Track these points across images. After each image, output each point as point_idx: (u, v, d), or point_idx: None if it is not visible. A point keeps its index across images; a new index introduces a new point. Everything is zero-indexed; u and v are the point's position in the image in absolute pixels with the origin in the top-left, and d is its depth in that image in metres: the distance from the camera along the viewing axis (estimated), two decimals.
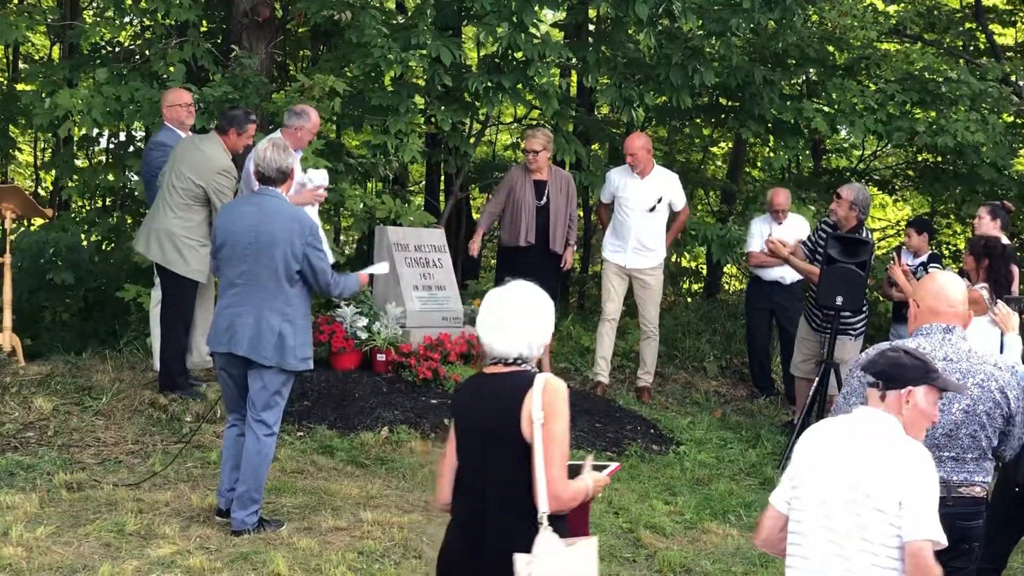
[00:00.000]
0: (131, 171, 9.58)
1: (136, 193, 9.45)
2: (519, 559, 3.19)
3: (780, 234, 8.77)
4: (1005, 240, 6.71)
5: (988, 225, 7.47)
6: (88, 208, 11.79)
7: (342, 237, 13.20)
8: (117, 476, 6.08)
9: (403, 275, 8.28)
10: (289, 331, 5.34)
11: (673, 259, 11.75)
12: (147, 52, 9.31)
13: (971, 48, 13.98)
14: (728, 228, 10.38)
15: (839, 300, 7.55)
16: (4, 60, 14.54)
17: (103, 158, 11.87)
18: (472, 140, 10.82)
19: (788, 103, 10.81)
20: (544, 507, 3.23)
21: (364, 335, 7.82)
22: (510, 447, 3.28)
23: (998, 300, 5.39)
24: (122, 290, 8.45)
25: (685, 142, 13.82)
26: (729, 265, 13.04)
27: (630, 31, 10.66)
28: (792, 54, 11.37)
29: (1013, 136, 11.37)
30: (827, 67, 11.60)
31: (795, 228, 9.06)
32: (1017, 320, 5.38)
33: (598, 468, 3.54)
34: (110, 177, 9.86)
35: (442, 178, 13.45)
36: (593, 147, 12.11)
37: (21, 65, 14.02)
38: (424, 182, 14.49)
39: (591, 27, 11.18)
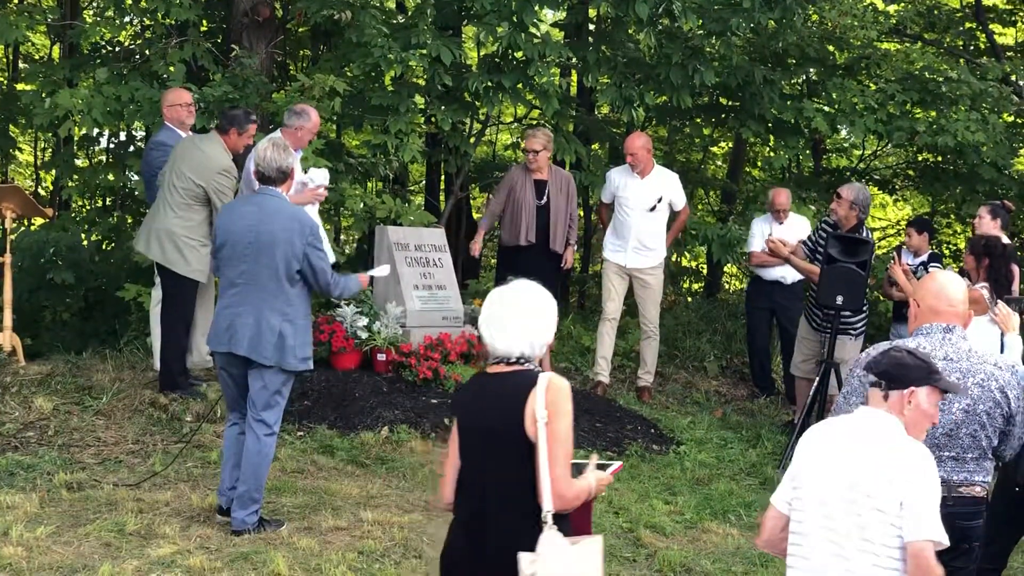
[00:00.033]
0: (131, 171, 9.59)
1: (136, 193, 9.46)
2: (523, 558, 3.18)
3: (781, 234, 8.76)
4: (1005, 240, 6.71)
5: (988, 225, 7.47)
6: (88, 208, 11.79)
7: (342, 237, 13.20)
8: (117, 476, 6.08)
9: (403, 275, 8.28)
10: (289, 331, 5.34)
11: (673, 259, 11.75)
12: (147, 52, 9.31)
13: (971, 48, 13.98)
14: (728, 228, 10.37)
15: (839, 300, 7.55)
16: (4, 60, 14.54)
17: (103, 158, 11.88)
18: (472, 140, 10.82)
19: (788, 103, 10.82)
20: (548, 506, 3.23)
21: (364, 335, 7.82)
22: (513, 446, 3.28)
23: (998, 300, 5.39)
24: (122, 290, 8.45)
25: (685, 142, 13.82)
26: (729, 265, 13.03)
27: (630, 31, 10.66)
28: (792, 54, 11.37)
29: (1013, 136, 11.37)
30: (827, 67, 11.60)
31: (796, 228, 9.07)
32: (1017, 320, 5.38)
33: (601, 467, 3.54)
34: (110, 177, 9.86)
35: (442, 178, 13.45)
36: (593, 147, 12.11)
37: (21, 65, 14.01)
38: (424, 182, 14.49)
39: (591, 27, 11.18)
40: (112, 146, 12.11)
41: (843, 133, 12.30)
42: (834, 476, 3.35)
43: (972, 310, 4.44)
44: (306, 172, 7.38)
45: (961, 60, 12.52)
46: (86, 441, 6.54)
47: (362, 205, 9.07)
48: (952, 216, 13.89)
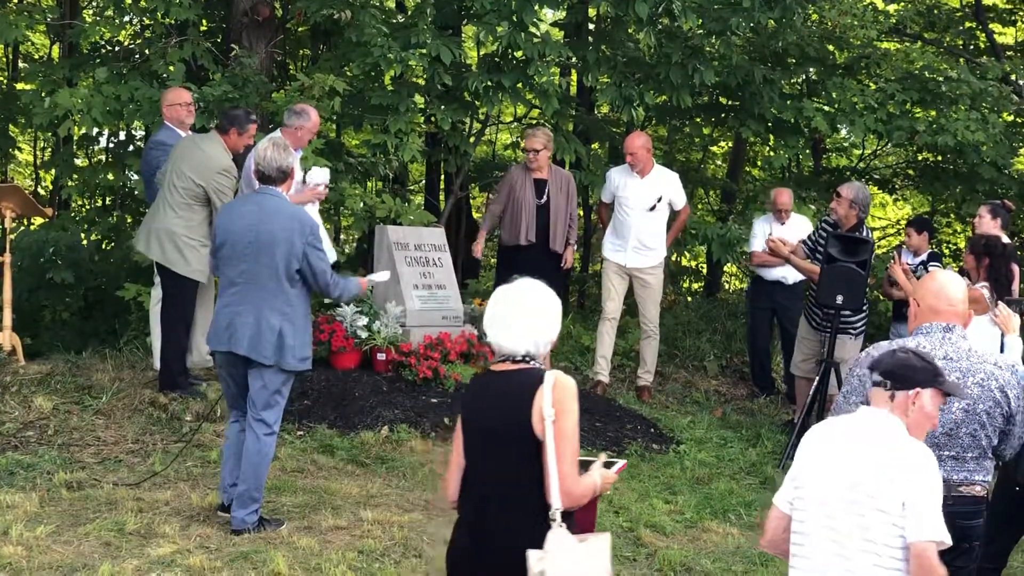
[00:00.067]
0: (131, 170, 9.58)
1: (136, 192, 9.46)
2: (532, 555, 3.19)
3: (782, 234, 8.76)
4: (1005, 239, 6.71)
5: (989, 224, 7.46)
6: (88, 207, 11.79)
7: (342, 236, 13.20)
8: (117, 475, 6.07)
9: (403, 274, 8.28)
10: (289, 331, 5.34)
11: (673, 258, 11.75)
12: (147, 51, 9.31)
13: (971, 47, 13.98)
14: (728, 227, 10.37)
15: (839, 299, 7.55)
16: (4, 59, 14.53)
17: (103, 157, 11.87)
18: (472, 139, 10.82)
19: (788, 102, 10.81)
20: (557, 503, 3.24)
21: (364, 334, 7.82)
22: (520, 444, 3.29)
23: (999, 302, 5.39)
24: (122, 289, 8.45)
25: (685, 141, 13.82)
26: (729, 264, 13.03)
27: (630, 30, 10.65)
28: (792, 53, 11.36)
29: (1013, 135, 11.38)
30: (827, 66, 11.60)
31: (798, 228, 9.06)
32: (1018, 322, 5.38)
33: (606, 465, 3.55)
34: (110, 176, 9.86)
35: (442, 177, 13.46)
36: (593, 146, 12.11)
37: (21, 64, 14.02)
38: (424, 181, 14.49)
39: (591, 26, 11.17)
40: (112, 146, 12.10)
41: (843, 132, 12.30)
42: (836, 476, 3.35)
43: (972, 310, 4.44)
44: (306, 172, 7.38)
45: (961, 59, 12.52)
46: (86, 440, 6.54)
47: (362, 205, 9.07)
48: (952, 215, 13.89)
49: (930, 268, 8.01)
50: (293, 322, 5.37)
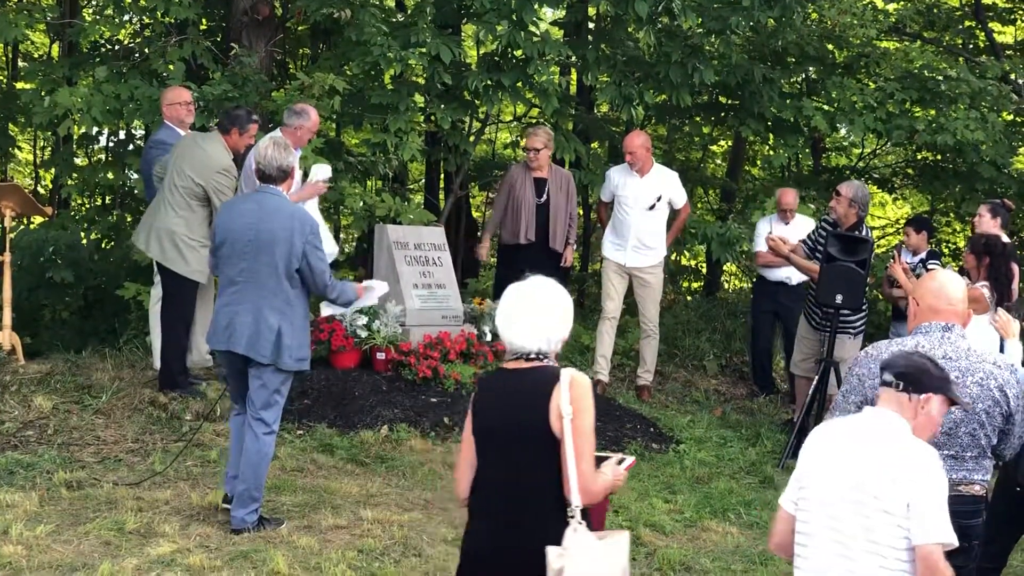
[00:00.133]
0: (131, 169, 9.59)
1: (136, 191, 9.46)
2: (551, 551, 3.19)
3: (785, 233, 8.74)
4: (1005, 238, 6.71)
5: (988, 223, 7.46)
6: (88, 206, 11.79)
7: (342, 235, 13.20)
8: (117, 474, 6.07)
9: (403, 273, 8.28)
10: (287, 330, 5.34)
11: (673, 257, 11.75)
12: (147, 50, 9.31)
13: (971, 46, 13.98)
14: (728, 226, 10.37)
15: (839, 298, 7.55)
16: (4, 58, 14.53)
17: (103, 156, 11.88)
18: (472, 138, 10.81)
19: (788, 101, 10.82)
20: (576, 501, 3.24)
21: (364, 333, 7.82)
22: (537, 442, 3.29)
23: (999, 307, 5.39)
24: (122, 288, 8.45)
25: (685, 140, 13.83)
26: (729, 263, 13.03)
27: (630, 29, 10.65)
28: (792, 52, 11.37)
29: (1012, 134, 11.37)
30: (827, 65, 11.61)
31: (801, 228, 9.02)
32: (1018, 326, 5.37)
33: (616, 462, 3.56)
34: (110, 175, 9.86)
35: (442, 176, 13.45)
36: (593, 145, 12.11)
37: (20, 63, 14.01)
38: (424, 180, 14.49)
39: (591, 25, 11.17)
40: (111, 144, 12.10)
41: (842, 132, 12.30)
42: (840, 476, 3.34)
43: (972, 309, 4.44)
44: (306, 171, 7.37)
45: (960, 59, 12.52)
46: (86, 440, 6.54)
47: (362, 204, 9.06)
48: (951, 215, 13.90)
49: (929, 267, 8.01)
50: (291, 322, 5.37)
